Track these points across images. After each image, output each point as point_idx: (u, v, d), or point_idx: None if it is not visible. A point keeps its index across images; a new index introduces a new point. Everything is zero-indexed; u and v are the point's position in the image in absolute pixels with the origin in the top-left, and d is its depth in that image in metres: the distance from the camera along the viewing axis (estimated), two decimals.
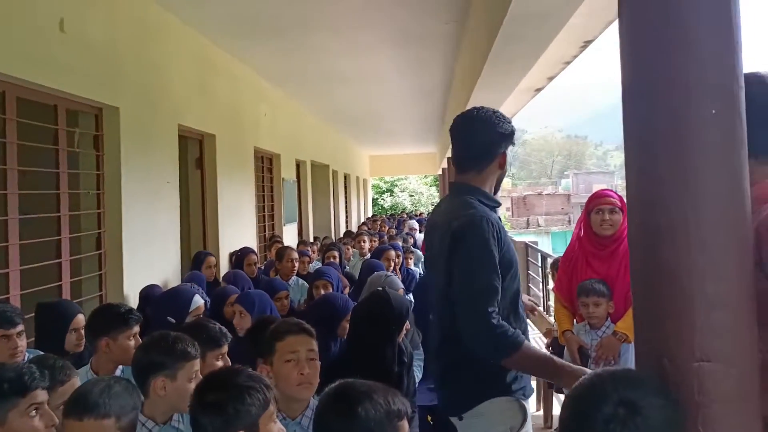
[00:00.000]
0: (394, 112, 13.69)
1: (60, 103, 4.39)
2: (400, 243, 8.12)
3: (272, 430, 1.86)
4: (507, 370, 2.35)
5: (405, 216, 20.59)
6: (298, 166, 11.67)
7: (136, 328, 3.01)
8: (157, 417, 2.35)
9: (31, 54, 3.88)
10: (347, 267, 7.39)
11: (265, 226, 9.45)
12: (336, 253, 6.99)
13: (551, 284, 6.23)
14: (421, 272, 6.69)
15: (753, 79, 1.44)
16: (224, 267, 6.99)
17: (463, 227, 2.31)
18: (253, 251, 6.78)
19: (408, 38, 7.32)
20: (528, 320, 3.35)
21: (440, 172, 23.66)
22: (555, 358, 2.31)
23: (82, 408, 1.89)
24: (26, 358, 2.87)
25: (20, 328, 2.94)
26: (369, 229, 12.50)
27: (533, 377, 2.68)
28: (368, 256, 7.22)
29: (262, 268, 7.10)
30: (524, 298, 2.84)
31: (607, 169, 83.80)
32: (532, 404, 2.52)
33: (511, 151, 2.61)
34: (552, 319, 5.85)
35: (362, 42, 7.45)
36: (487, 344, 2.22)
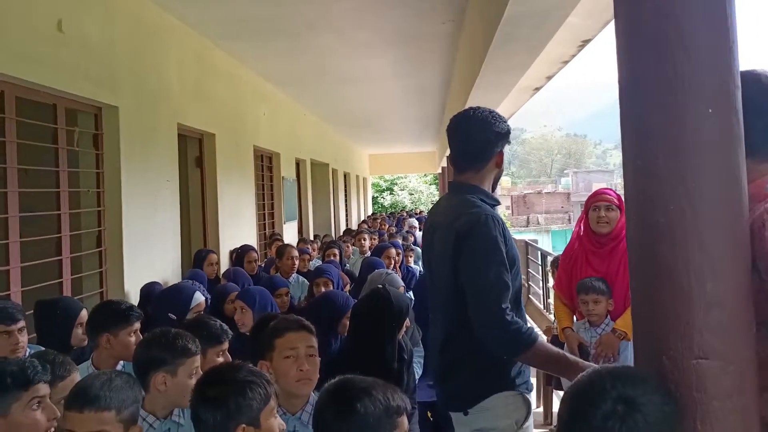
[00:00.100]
0: (394, 111, 13.70)
1: (59, 103, 4.40)
2: (400, 241, 8.13)
3: (273, 424, 1.88)
4: (511, 365, 2.39)
5: (405, 214, 20.58)
6: (297, 164, 11.68)
7: (137, 325, 3.02)
8: (158, 412, 2.37)
9: (30, 54, 3.88)
10: (347, 265, 7.40)
11: (265, 224, 9.46)
12: (336, 251, 7.00)
13: (551, 282, 6.25)
14: (421, 270, 6.69)
15: (749, 78, 1.45)
16: (225, 264, 7.00)
17: (470, 225, 2.34)
18: (253, 248, 6.79)
19: (406, 38, 7.33)
20: (528, 317, 3.36)
21: (440, 170, 23.67)
22: (568, 354, 2.35)
23: (82, 400, 1.90)
24: (27, 354, 2.88)
25: (21, 324, 2.96)
26: (369, 227, 12.49)
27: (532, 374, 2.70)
28: (368, 253, 7.23)
29: (263, 265, 7.11)
30: None
31: (607, 167, 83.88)
32: (531, 401, 2.54)
33: (510, 149, 2.63)
34: (552, 317, 5.86)
35: (361, 42, 7.45)
36: (502, 341, 2.26)
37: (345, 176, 18.61)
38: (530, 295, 10.35)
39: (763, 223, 1.47)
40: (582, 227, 3.73)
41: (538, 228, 46.37)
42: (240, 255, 6.63)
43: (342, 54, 7.96)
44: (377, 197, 34.01)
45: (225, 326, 2.89)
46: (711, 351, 1.34)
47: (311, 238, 10.86)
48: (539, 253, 10.11)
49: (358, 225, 14.82)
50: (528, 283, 10.43)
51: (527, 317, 2.91)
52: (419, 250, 7.86)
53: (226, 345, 2.84)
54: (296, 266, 6.06)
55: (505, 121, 2.57)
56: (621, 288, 3.48)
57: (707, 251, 1.36)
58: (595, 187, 4.52)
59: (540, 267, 9.78)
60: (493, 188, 2.62)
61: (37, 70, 3.95)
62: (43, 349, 2.91)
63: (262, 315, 3.53)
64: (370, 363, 2.82)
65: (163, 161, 5.73)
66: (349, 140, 19.14)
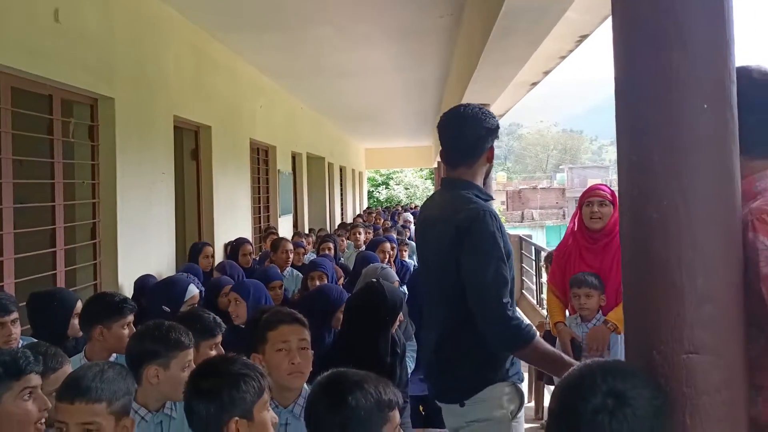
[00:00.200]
0: (390, 105, 13.68)
1: (55, 93, 4.38)
2: (394, 235, 8.14)
3: (266, 418, 1.88)
4: (505, 357, 2.45)
5: (400, 208, 20.59)
6: (293, 158, 11.66)
7: (131, 317, 3.02)
8: (150, 405, 2.37)
9: (26, 44, 3.87)
10: (342, 258, 7.41)
11: (260, 217, 9.45)
12: (331, 245, 7.00)
13: (545, 277, 6.26)
14: (416, 264, 6.70)
15: (741, 73, 1.44)
16: (219, 257, 6.99)
17: (469, 221, 2.39)
18: (248, 241, 6.78)
19: (404, 32, 7.31)
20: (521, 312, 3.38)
21: (435, 165, 23.66)
22: (564, 355, 2.44)
23: (74, 391, 1.89)
24: (19, 346, 2.87)
25: (14, 315, 2.95)
26: (364, 221, 12.50)
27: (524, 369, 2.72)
28: (363, 248, 7.23)
29: (257, 258, 7.11)
30: None
31: (602, 163, 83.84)
32: (524, 392, 2.59)
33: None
34: (545, 312, 5.88)
35: (359, 35, 7.43)
36: (503, 335, 2.32)
37: (341, 170, 18.59)
38: (523, 290, 10.37)
39: (746, 225, 1.47)
40: (576, 223, 3.74)
41: (533, 223, 46.38)
42: (235, 248, 6.62)
43: (340, 47, 7.94)
44: (373, 191, 34.00)
45: (218, 319, 2.89)
46: (701, 346, 1.35)
47: (306, 231, 10.85)
48: (533, 248, 10.13)
49: (354, 219, 14.82)
50: (522, 279, 10.45)
51: (520, 312, 2.93)
52: (414, 244, 7.88)
53: (219, 338, 2.84)
54: (291, 260, 6.07)
55: (494, 117, 2.63)
56: (613, 284, 3.49)
57: (700, 247, 1.36)
58: (591, 183, 4.53)
59: (534, 262, 9.80)
60: (484, 183, 2.66)
61: (33, 61, 3.93)
62: (35, 340, 2.91)
63: (257, 308, 3.53)
64: (364, 357, 2.82)
65: (159, 153, 5.71)
66: (345, 134, 19.12)
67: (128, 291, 4.83)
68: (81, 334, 3.32)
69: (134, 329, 2.87)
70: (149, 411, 2.36)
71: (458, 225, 2.40)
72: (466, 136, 2.57)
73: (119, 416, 1.95)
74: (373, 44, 7.88)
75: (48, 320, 3.28)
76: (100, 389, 1.90)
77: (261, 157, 9.63)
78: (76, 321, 3.29)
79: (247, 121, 8.63)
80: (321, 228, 12.17)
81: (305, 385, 2.46)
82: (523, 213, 49.58)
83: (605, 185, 3.81)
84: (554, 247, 4.48)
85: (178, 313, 3.31)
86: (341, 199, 18.67)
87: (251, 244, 6.80)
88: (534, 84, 9.41)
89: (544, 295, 7.04)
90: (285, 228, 10.26)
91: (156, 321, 2.53)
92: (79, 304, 3.32)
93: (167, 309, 3.50)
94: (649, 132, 1.41)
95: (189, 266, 5.45)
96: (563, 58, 7.89)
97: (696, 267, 1.36)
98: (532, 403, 5.53)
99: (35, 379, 2.05)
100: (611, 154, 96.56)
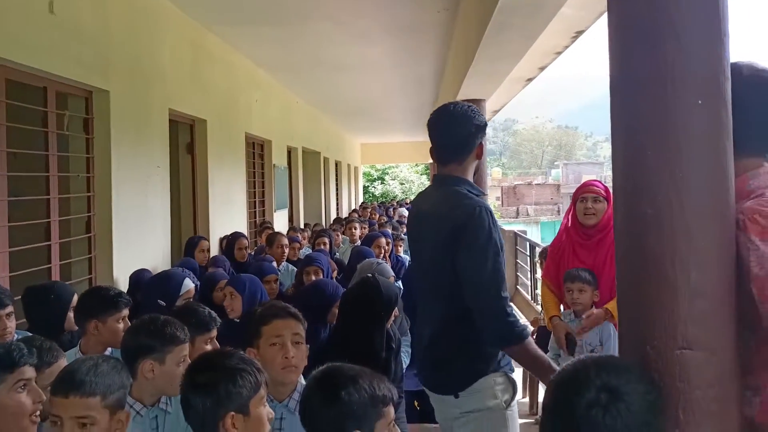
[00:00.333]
0: (387, 100, 13.67)
1: (50, 86, 4.35)
2: (390, 230, 8.14)
3: (262, 413, 1.88)
4: (497, 349, 2.48)
5: (395, 204, 20.59)
6: (289, 152, 11.64)
7: (126, 311, 3.01)
8: (145, 399, 2.37)
9: (20, 36, 3.84)
10: (337, 253, 7.41)
11: (255, 212, 9.43)
12: (326, 240, 7.00)
13: (539, 273, 6.27)
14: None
15: (732, 70, 1.44)
16: (215, 252, 6.98)
17: (465, 217, 2.42)
18: (243, 236, 6.77)
19: (400, 27, 7.30)
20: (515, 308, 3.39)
21: (431, 160, 23.62)
22: (552, 363, 2.46)
23: (68, 385, 1.89)
24: (15, 339, 2.87)
25: (9, 309, 2.94)
26: (360, 216, 12.50)
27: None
28: (359, 242, 7.24)
29: (253, 253, 7.10)
30: None
31: (597, 159, 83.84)
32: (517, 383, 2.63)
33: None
34: (539, 308, 5.89)
35: (355, 30, 7.42)
36: (498, 330, 2.37)
37: (336, 165, 18.58)
38: (518, 286, 10.38)
39: (738, 224, 1.47)
40: (570, 219, 3.74)
41: (528, 219, 46.43)
42: (230, 242, 6.61)
43: (337, 42, 7.93)
44: (368, 186, 34.00)
45: (214, 314, 2.89)
46: (695, 341, 1.36)
47: (302, 226, 10.85)
48: (528, 244, 10.14)
49: (349, 214, 14.82)
50: (516, 274, 10.47)
51: (516, 310, 2.95)
52: None
53: (214, 333, 2.84)
54: (286, 254, 6.06)
55: (482, 115, 2.68)
56: (607, 280, 3.49)
57: (693, 242, 1.37)
58: (585, 179, 4.54)
59: (528, 258, 9.82)
60: (474, 179, 2.69)
61: (28, 53, 3.91)
62: (30, 334, 2.90)
63: (251, 307, 3.53)
64: (359, 352, 2.83)
65: (154, 147, 5.69)
66: (341, 129, 19.09)
67: (123, 285, 4.82)
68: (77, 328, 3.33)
69: (129, 323, 2.87)
70: (144, 405, 2.36)
71: (454, 221, 2.43)
72: (456, 133, 2.60)
73: (114, 410, 1.94)
74: (371, 39, 7.87)
75: (45, 314, 3.27)
76: (94, 383, 1.90)
77: (257, 151, 9.60)
78: (72, 315, 3.29)
79: (243, 115, 8.61)
80: (316, 223, 12.15)
81: (301, 380, 2.46)
82: (518, 209, 49.64)
83: (599, 181, 3.81)
84: (549, 243, 4.48)
85: (174, 308, 3.31)
86: (337, 194, 18.66)
87: (247, 239, 6.79)
88: (529, 80, 9.42)
89: (539, 291, 7.06)
90: (280, 223, 10.25)
91: (151, 315, 2.53)
92: (76, 298, 3.32)
93: (162, 303, 3.50)
94: (644, 128, 1.41)
95: (185, 260, 5.44)
96: (559, 54, 7.90)
97: (689, 262, 1.37)
98: (527, 399, 5.55)
99: (29, 372, 2.05)
100: (606, 151, 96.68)
